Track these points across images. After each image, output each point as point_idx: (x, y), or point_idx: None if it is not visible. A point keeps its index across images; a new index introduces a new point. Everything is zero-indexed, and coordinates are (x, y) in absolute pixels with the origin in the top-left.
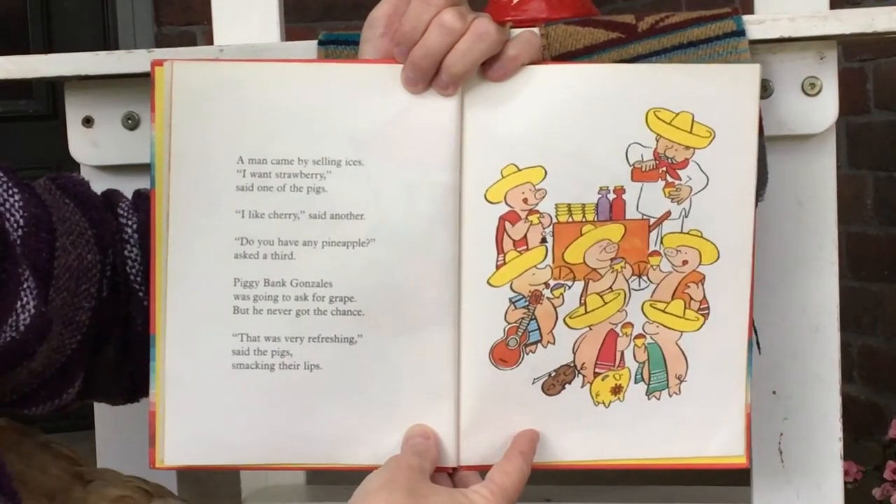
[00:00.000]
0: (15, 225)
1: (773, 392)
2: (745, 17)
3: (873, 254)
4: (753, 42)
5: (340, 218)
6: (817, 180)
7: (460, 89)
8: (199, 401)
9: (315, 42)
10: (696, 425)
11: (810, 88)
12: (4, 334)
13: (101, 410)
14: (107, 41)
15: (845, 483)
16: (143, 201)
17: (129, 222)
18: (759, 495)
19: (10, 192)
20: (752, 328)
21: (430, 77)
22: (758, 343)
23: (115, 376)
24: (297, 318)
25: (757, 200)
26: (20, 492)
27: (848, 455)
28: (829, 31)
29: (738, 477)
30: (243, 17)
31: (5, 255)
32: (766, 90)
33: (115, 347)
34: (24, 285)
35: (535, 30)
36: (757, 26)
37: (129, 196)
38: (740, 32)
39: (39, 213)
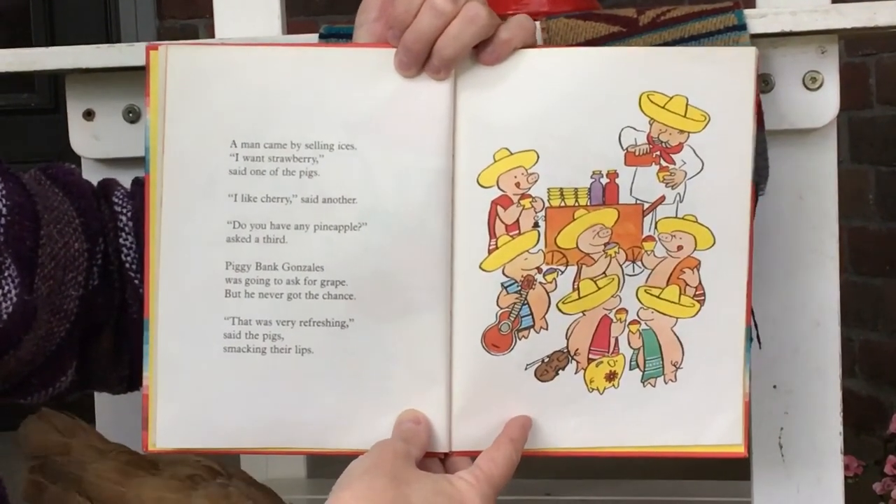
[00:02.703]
0: None
1: (774, 386)
2: (747, 11)
3: (875, 249)
4: (755, 36)
5: (333, 202)
6: (819, 175)
7: (453, 73)
8: (190, 384)
9: (316, 35)
10: (693, 413)
11: (812, 83)
12: None
13: (101, 399)
14: (109, 35)
15: (846, 478)
16: (139, 188)
17: (124, 210)
18: (759, 490)
19: None
20: (751, 316)
21: (422, 61)
22: (758, 337)
23: (111, 364)
24: (288, 301)
25: (758, 195)
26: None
27: (848, 450)
28: (830, 25)
29: (739, 471)
30: (245, 11)
31: None
32: (767, 84)
33: (110, 335)
34: (6, 274)
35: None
36: (758, 20)
37: (129, 185)
38: (741, 26)
39: (23, 201)
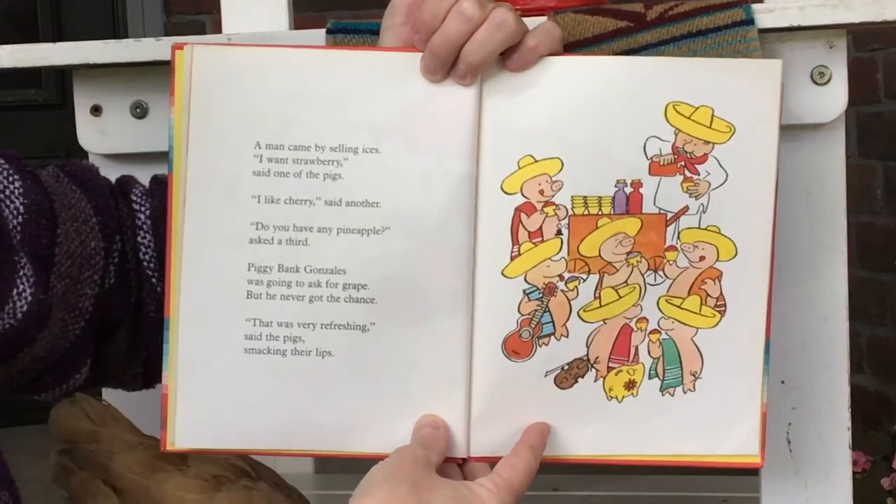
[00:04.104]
0: (14, 212)
1: (782, 382)
2: (755, 6)
3: (882, 244)
4: (763, 31)
5: (356, 205)
6: (826, 170)
7: (479, 79)
8: (210, 384)
9: (324, 31)
10: (711, 423)
11: (819, 78)
12: (2, 322)
13: (109, 395)
14: (116, 31)
15: (854, 473)
16: (158, 186)
17: (143, 208)
18: (767, 485)
19: (11, 179)
20: (770, 326)
21: (448, 66)
22: None
23: (127, 362)
24: (310, 304)
25: None
26: (106, 494)
27: (856, 445)
28: (838, 20)
29: None
30: (252, 6)
31: (1, 243)
32: None
33: (125, 334)
34: (21, 273)
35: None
36: (766, 15)
37: (147, 182)
38: (749, 21)
39: (40, 199)
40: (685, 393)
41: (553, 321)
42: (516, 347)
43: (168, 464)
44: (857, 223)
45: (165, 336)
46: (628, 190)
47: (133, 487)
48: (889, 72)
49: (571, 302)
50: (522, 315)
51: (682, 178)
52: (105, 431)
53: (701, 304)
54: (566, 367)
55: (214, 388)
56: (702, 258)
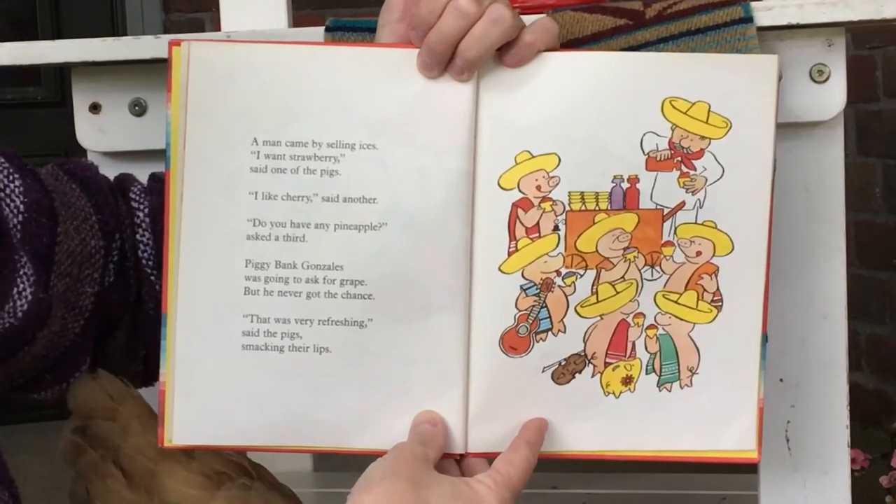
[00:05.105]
0: (15, 210)
1: (781, 380)
2: (754, 4)
3: (881, 242)
4: (761, 29)
5: (353, 201)
6: (825, 168)
7: (476, 75)
8: (208, 381)
9: (322, 29)
10: (708, 418)
11: (818, 75)
12: (2, 321)
13: None
14: (115, 28)
15: (852, 471)
16: (156, 184)
17: (141, 206)
18: (766, 483)
19: (11, 177)
20: (766, 321)
21: (445, 62)
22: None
23: (126, 360)
24: (307, 300)
25: None
26: (115, 476)
27: (855, 443)
28: (837, 17)
29: (745, 464)
30: (252, 4)
31: (1, 242)
32: None
33: (125, 332)
34: (21, 272)
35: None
36: (765, 13)
37: (145, 180)
38: (748, 19)
39: (41, 198)
40: (682, 388)
41: (550, 317)
42: (513, 343)
43: (178, 451)
44: (855, 221)
45: (163, 332)
46: (625, 185)
47: (141, 472)
48: (888, 70)
49: (568, 297)
50: (520, 311)
51: (678, 173)
52: (123, 409)
53: (698, 299)
54: (563, 363)
55: (212, 385)
56: (698, 253)
